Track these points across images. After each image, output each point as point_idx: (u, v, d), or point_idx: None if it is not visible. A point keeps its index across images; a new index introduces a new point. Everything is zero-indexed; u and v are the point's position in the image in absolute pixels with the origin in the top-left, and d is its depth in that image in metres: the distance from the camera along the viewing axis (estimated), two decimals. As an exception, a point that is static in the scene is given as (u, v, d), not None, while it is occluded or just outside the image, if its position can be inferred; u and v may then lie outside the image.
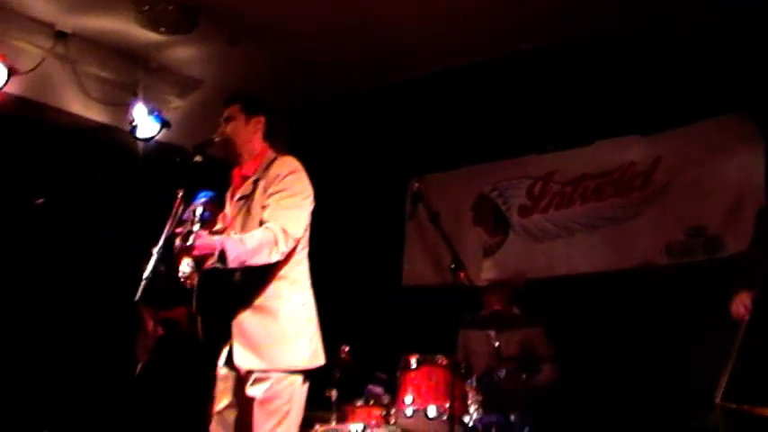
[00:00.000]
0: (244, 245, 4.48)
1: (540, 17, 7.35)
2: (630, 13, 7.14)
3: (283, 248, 4.61)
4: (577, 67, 7.75)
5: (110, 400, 7.30)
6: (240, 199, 4.90)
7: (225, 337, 4.75)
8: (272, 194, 4.74)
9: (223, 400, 4.82)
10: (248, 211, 4.84)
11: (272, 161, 4.95)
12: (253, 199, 4.84)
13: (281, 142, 5.26)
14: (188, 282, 4.88)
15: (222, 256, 4.39)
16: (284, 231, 4.60)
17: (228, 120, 5.00)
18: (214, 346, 4.88)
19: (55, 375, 7.44)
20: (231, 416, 4.80)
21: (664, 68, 7.31)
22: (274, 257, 4.60)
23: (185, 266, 4.88)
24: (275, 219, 4.64)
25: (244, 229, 4.76)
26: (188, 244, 4.29)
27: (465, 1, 7.21)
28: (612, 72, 7.58)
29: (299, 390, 4.75)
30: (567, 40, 7.64)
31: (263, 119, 5.06)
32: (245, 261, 4.49)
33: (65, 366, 7.52)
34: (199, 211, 4.28)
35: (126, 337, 7.04)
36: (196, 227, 4.25)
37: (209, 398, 4.91)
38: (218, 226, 5.11)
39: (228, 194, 5.14)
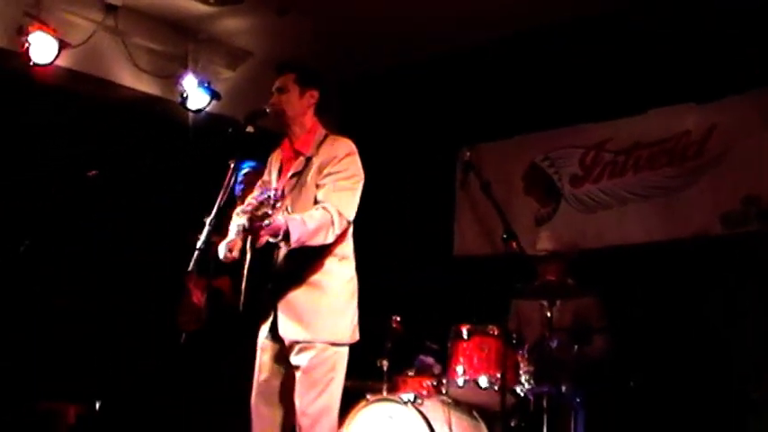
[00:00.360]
0: (305, 226, 4.49)
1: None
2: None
3: (338, 230, 4.65)
4: (631, 33, 7.64)
5: (156, 371, 7.37)
6: (293, 176, 4.86)
7: (268, 309, 4.79)
8: (327, 175, 4.73)
9: (264, 370, 4.86)
10: (300, 189, 4.82)
11: (324, 139, 4.94)
12: (306, 177, 4.82)
13: (332, 115, 5.23)
14: (231, 251, 4.91)
15: (287, 235, 4.38)
16: (339, 214, 4.64)
17: (281, 91, 4.93)
18: (256, 318, 4.91)
19: (103, 347, 7.55)
20: (273, 386, 4.85)
21: (719, 34, 7.16)
22: (330, 239, 4.64)
23: (230, 233, 4.92)
24: (331, 200, 4.66)
25: (295, 205, 4.74)
26: (265, 224, 4.26)
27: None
28: (666, 39, 7.46)
29: (342, 361, 4.80)
30: (620, 7, 7.54)
31: (316, 93, 4.99)
32: (305, 241, 4.51)
33: (113, 338, 7.63)
34: (272, 194, 4.23)
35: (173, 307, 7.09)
36: (270, 210, 4.20)
37: (251, 368, 4.95)
38: (256, 192, 5.13)
39: (275, 165, 5.11)
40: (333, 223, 4.60)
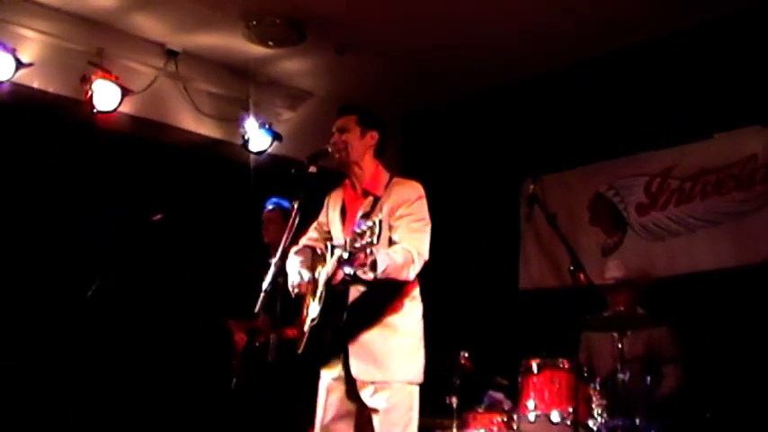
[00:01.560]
0: (392, 259, 4.52)
1: (653, 8, 7.19)
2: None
3: (417, 269, 4.69)
4: (693, 57, 7.56)
5: (208, 417, 7.40)
6: (363, 216, 4.83)
7: (334, 349, 4.80)
8: (400, 217, 4.75)
9: (330, 411, 4.84)
10: None
11: (390, 180, 4.96)
12: (375, 217, 4.80)
13: (391, 156, 5.22)
14: (296, 291, 4.94)
15: (374, 266, 4.37)
16: (419, 254, 4.67)
17: (343, 131, 4.96)
18: (318, 359, 4.91)
19: (155, 395, 7.63)
20: (339, 427, 4.83)
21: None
22: (411, 276, 4.67)
23: (295, 276, 4.92)
24: (408, 241, 4.68)
25: None
26: (368, 252, 4.26)
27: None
28: (729, 61, 7.36)
29: (416, 400, 4.78)
30: (681, 29, 7.48)
31: (376, 135, 5.01)
32: (390, 274, 4.52)
33: (176, 381, 7.69)
34: (376, 223, 4.21)
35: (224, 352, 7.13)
36: (375, 239, 4.19)
37: (309, 409, 4.95)
38: (314, 234, 5.18)
39: (335, 205, 5.10)
40: (414, 261, 4.63)
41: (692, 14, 7.31)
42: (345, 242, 4.35)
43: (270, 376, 6.43)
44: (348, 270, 4.47)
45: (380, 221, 4.19)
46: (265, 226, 6.86)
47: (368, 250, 4.24)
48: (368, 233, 4.14)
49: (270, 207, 6.91)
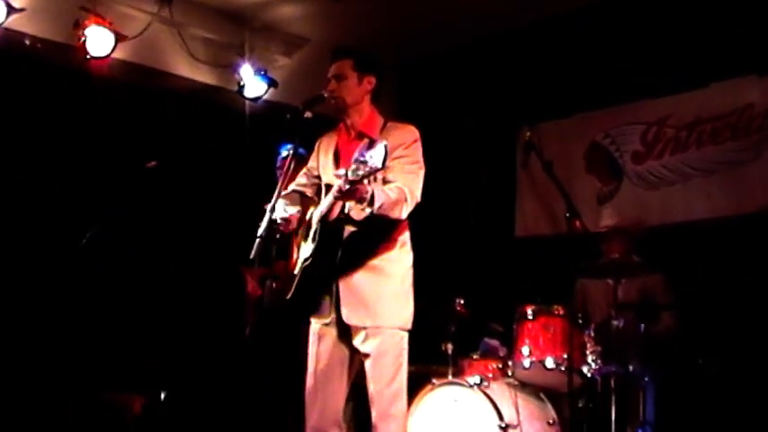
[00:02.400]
0: (387, 195, 4.47)
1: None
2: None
3: (410, 207, 4.65)
4: (689, 6, 7.53)
5: (223, 364, 7.43)
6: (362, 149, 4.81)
7: (324, 294, 4.79)
8: (396, 158, 4.67)
9: (323, 358, 4.84)
10: None
11: (386, 125, 4.91)
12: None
13: (388, 101, 5.19)
14: (282, 226, 4.90)
15: (372, 200, 4.36)
16: (411, 193, 4.63)
17: (339, 78, 4.87)
18: (310, 304, 4.89)
19: (166, 338, 7.63)
20: (333, 372, 4.83)
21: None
22: (404, 214, 4.64)
23: (282, 210, 4.88)
24: (402, 180, 4.64)
25: None
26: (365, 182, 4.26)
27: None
28: (725, 10, 7.33)
29: (406, 346, 4.80)
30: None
31: (374, 79, 4.92)
32: (385, 210, 4.48)
33: (176, 328, 7.71)
34: (380, 150, 4.16)
35: (236, 298, 7.12)
36: (378, 163, 4.13)
37: (303, 355, 4.96)
38: (302, 180, 5.17)
39: (327, 149, 5.04)
40: (406, 200, 4.59)
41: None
42: (346, 172, 4.24)
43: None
44: (346, 207, 4.48)
45: (386, 146, 4.11)
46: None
47: (371, 178, 4.24)
48: (370, 159, 4.09)
49: (284, 154, 6.84)
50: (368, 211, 4.39)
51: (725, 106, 7.43)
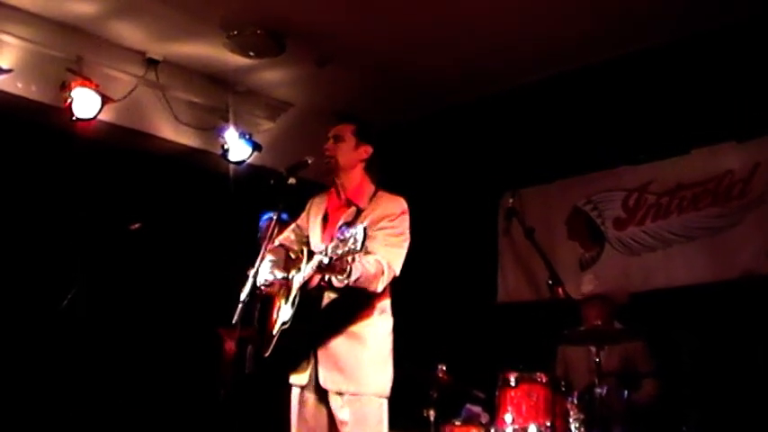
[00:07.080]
0: (366, 268, 4.51)
1: (629, 24, 7.27)
2: (723, 13, 7.03)
3: (386, 281, 4.69)
4: (669, 74, 7.61)
5: (198, 428, 7.38)
6: (343, 225, 4.81)
7: (303, 357, 4.78)
8: (380, 229, 4.73)
9: (306, 423, 4.82)
10: None
11: (375, 193, 4.95)
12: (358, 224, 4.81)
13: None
14: (266, 290, 4.90)
15: (349, 273, 4.38)
16: (389, 266, 4.66)
17: (337, 139, 4.96)
18: (287, 365, 4.89)
19: (144, 402, 7.60)
20: None
21: (758, 72, 7.11)
22: (380, 288, 4.66)
23: (267, 274, 4.87)
24: (382, 253, 4.67)
25: None
26: (349, 259, 4.29)
27: (554, 11, 7.14)
28: (705, 77, 7.41)
29: (386, 413, 4.77)
30: (658, 45, 7.54)
31: (370, 149, 5.01)
32: (362, 283, 4.52)
33: (152, 391, 7.66)
34: (356, 232, 4.20)
35: (212, 362, 7.11)
36: (357, 246, 4.18)
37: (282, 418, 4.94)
38: (291, 236, 5.18)
39: (317, 212, 5.08)
40: (383, 273, 4.62)
41: (667, 31, 7.38)
42: (326, 248, 4.31)
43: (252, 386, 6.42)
44: (326, 276, 4.49)
45: (365, 229, 4.16)
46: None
47: (348, 258, 4.26)
48: (351, 240, 4.12)
49: (266, 219, 6.86)
50: (345, 282, 4.42)
51: (705, 173, 7.49)
